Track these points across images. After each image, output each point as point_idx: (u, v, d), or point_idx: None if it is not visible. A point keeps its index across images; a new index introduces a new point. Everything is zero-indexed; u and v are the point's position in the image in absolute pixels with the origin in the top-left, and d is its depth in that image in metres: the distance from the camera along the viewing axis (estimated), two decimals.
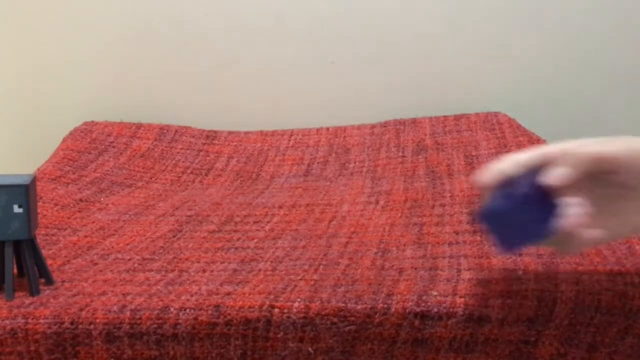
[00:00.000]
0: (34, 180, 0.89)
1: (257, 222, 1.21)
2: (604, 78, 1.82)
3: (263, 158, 1.64)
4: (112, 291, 0.89)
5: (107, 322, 0.81)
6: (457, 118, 1.74)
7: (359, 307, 0.81)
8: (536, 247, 0.88)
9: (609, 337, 0.81)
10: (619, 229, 0.73)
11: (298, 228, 1.17)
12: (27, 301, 0.86)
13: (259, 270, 0.95)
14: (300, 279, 0.90)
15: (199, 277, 0.93)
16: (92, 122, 1.73)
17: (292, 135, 1.75)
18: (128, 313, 0.81)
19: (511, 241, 0.76)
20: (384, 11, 1.79)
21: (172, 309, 0.82)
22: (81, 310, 0.82)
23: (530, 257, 0.95)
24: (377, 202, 1.30)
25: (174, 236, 1.14)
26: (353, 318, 0.81)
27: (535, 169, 0.75)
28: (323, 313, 0.81)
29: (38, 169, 1.47)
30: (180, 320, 0.81)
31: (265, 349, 0.81)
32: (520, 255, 0.96)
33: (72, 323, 0.81)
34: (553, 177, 0.71)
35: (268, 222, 1.21)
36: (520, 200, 0.74)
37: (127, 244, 1.10)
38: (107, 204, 1.34)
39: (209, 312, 0.81)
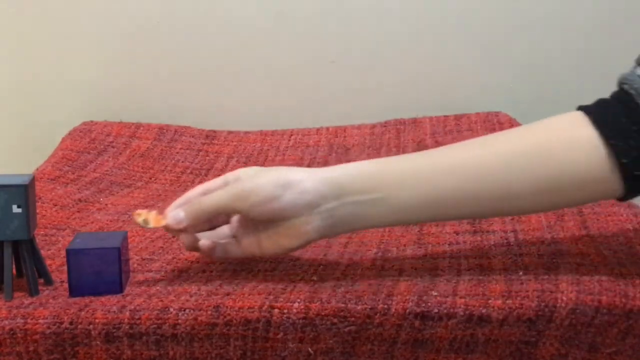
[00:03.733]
0: (33, 180, 0.88)
1: None
2: (605, 78, 1.81)
3: (263, 158, 1.64)
4: None
5: (107, 323, 0.81)
6: (458, 118, 1.73)
7: (359, 307, 0.81)
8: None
9: (610, 338, 0.81)
10: (271, 249, 0.88)
11: None
12: (26, 301, 0.86)
13: (259, 270, 0.95)
14: (300, 279, 0.90)
15: (198, 278, 0.93)
16: (91, 121, 1.73)
17: (292, 135, 1.74)
18: (127, 313, 0.81)
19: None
20: (384, 11, 1.79)
21: (171, 309, 0.82)
22: (80, 310, 0.82)
23: (531, 257, 0.94)
24: None
25: (173, 236, 1.13)
26: (353, 318, 0.81)
27: None
28: (323, 313, 0.80)
29: (37, 169, 1.47)
30: (179, 321, 0.81)
31: (265, 349, 0.81)
32: (521, 255, 0.96)
33: (71, 323, 0.81)
34: (171, 219, 0.88)
35: None
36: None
37: None
38: (106, 204, 1.34)
39: (209, 312, 0.81)
